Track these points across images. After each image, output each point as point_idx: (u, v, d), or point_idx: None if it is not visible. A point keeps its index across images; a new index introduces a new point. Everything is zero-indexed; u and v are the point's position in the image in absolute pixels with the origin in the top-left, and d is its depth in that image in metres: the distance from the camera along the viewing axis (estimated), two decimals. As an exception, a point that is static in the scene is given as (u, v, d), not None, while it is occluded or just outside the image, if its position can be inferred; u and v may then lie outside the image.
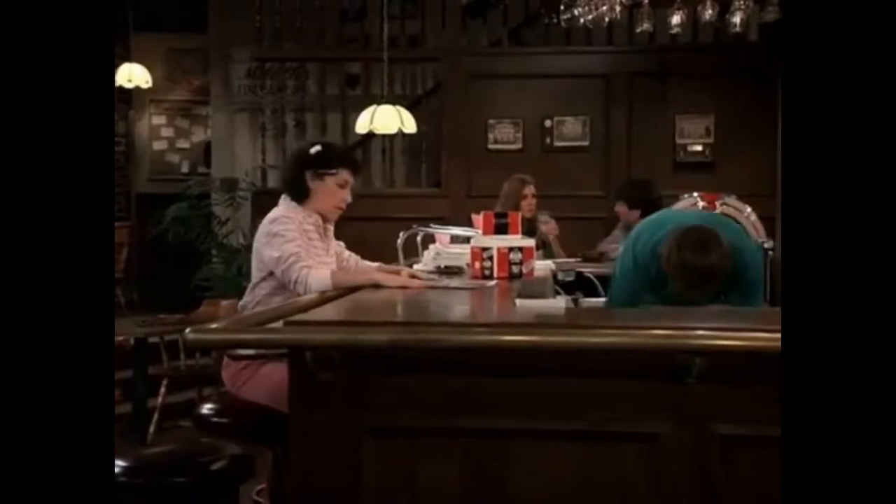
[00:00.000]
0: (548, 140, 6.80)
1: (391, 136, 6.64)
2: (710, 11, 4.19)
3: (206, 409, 2.92)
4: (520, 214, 3.50)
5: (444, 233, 3.85)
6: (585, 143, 6.71)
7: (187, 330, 1.85)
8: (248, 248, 6.61)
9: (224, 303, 4.96)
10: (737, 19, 4.19)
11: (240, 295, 3.32)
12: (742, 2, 4.11)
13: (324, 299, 2.53)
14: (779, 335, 1.84)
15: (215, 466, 2.37)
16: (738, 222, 5.48)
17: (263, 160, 7.16)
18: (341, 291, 2.70)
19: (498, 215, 3.27)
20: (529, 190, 5.02)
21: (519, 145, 6.82)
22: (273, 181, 7.29)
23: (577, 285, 3.75)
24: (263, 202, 6.92)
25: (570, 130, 6.75)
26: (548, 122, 6.78)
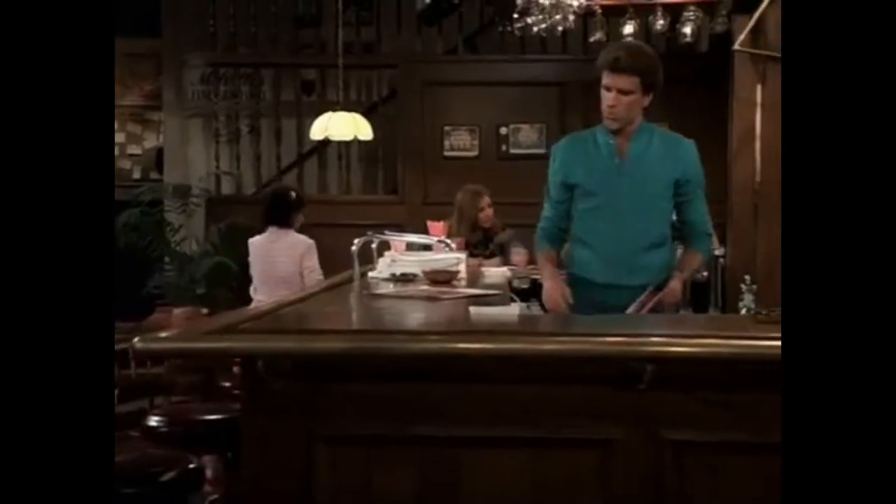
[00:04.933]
0: (504, 147, 6.84)
1: (347, 143, 6.62)
2: (661, 22, 4.25)
3: (155, 419, 2.87)
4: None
5: (399, 240, 3.84)
6: (541, 151, 6.74)
7: (136, 339, 1.81)
8: (202, 255, 6.56)
9: (177, 310, 4.90)
10: (687, 30, 4.26)
11: (193, 302, 3.28)
12: (692, 13, 4.18)
13: (277, 307, 2.51)
14: (728, 341, 1.88)
15: (165, 477, 2.33)
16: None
17: (217, 166, 7.09)
18: (295, 299, 2.68)
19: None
20: (486, 201, 5.03)
21: (475, 152, 6.85)
22: (227, 187, 7.22)
23: (533, 292, 3.76)
24: (217, 209, 6.88)
25: (526, 138, 6.79)
26: (503, 130, 6.82)
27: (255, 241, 4.79)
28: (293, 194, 4.96)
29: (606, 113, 2.76)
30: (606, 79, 2.72)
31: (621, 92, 2.70)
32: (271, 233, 4.73)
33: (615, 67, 2.69)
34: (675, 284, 2.81)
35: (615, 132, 2.80)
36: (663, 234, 2.84)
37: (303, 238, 4.69)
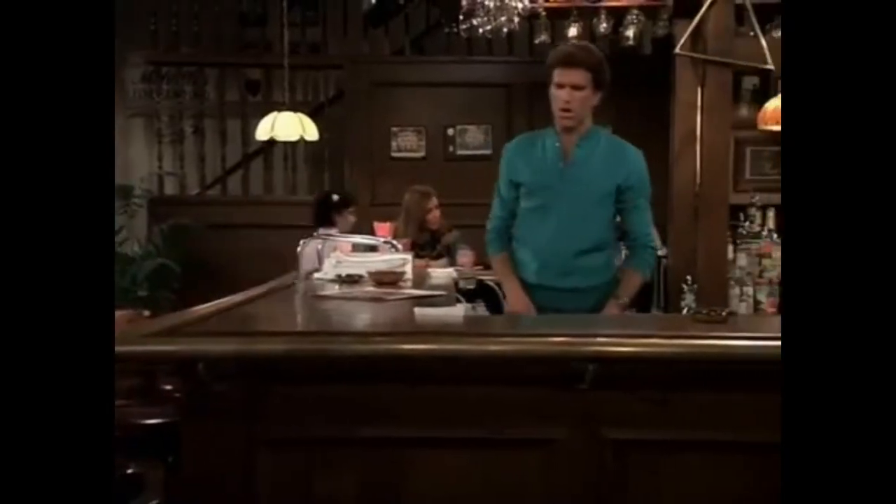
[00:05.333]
0: (450, 148, 6.85)
1: (293, 144, 6.57)
2: (604, 25, 4.29)
3: (95, 424, 2.81)
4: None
5: (345, 241, 3.83)
6: (488, 152, 6.77)
7: (72, 342, 1.77)
8: (144, 256, 6.44)
9: (118, 313, 4.80)
10: (630, 33, 4.31)
11: (134, 304, 3.22)
12: (635, 16, 4.23)
13: (220, 309, 2.47)
14: (669, 341, 1.91)
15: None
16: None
17: (160, 167, 6.98)
18: (240, 301, 2.64)
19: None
20: (433, 203, 5.04)
21: (422, 153, 6.85)
22: (170, 188, 7.11)
23: (479, 293, 3.78)
24: (159, 210, 6.77)
25: (473, 139, 6.82)
26: (450, 131, 6.83)
27: (304, 243, 4.85)
28: (335, 197, 5.08)
29: (560, 111, 2.76)
30: (559, 76, 2.73)
31: (575, 87, 2.71)
32: (318, 234, 4.76)
33: (568, 62, 2.71)
34: (612, 311, 2.77)
35: (567, 132, 2.81)
36: (602, 239, 2.83)
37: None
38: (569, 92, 2.71)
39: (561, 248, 2.80)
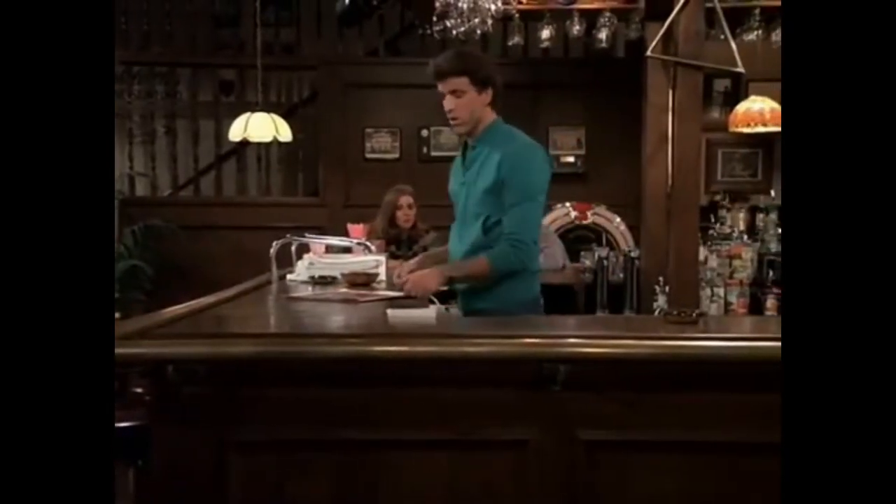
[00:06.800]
0: (425, 149, 6.85)
1: (267, 145, 6.53)
2: (577, 27, 4.31)
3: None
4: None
5: (318, 242, 3.81)
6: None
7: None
8: (115, 257, 6.38)
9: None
10: (603, 35, 4.33)
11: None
12: (607, 19, 4.25)
13: (190, 311, 2.46)
14: (640, 342, 1.92)
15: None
16: (609, 231, 5.68)
17: (131, 167, 6.91)
18: (212, 302, 2.63)
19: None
20: (405, 200, 4.96)
21: (396, 154, 6.84)
22: (142, 189, 7.05)
23: (452, 294, 3.77)
24: (131, 211, 6.70)
25: (447, 140, 6.81)
26: (424, 132, 6.83)
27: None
28: None
29: (450, 120, 2.77)
30: (439, 87, 2.75)
31: (454, 94, 2.72)
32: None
33: (437, 75, 2.73)
34: (428, 273, 2.68)
35: (468, 136, 2.80)
36: (477, 245, 2.70)
37: None
38: (450, 100, 2.73)
39: (456, 250, 2.82)
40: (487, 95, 2.73)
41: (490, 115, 2.77)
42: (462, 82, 2.69)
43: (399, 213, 4.91)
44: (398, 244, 4.86)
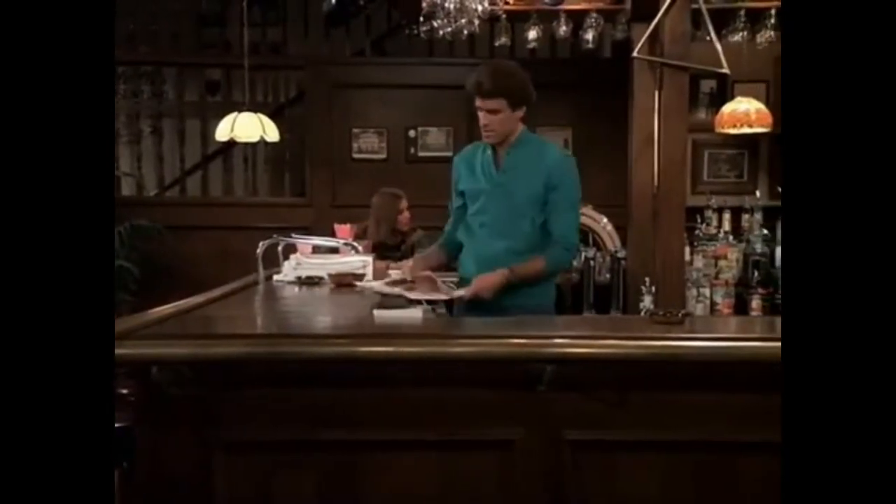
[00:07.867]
0: (412, 150, 6.85)
1: (253, 145, 6.52)
2: (564, 28, 4.31)
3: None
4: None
5: (305, 243, 3.80)
6: (449, 154, 6.76)
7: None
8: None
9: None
10: (589, 36, 4.33)
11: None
12: (594, 20, 4.25)
13: (176, 311, 2.45)
14: (626, 342, 1.93)
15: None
16: (595, 232, 5.69)
17: (117, 167, 6.88)
18: (199, 303, 2.61)
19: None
20: (404, 204, 5.03)
21: (383, 155, 6.83)
22: (127, 189, 7.01)
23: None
24: (118, 211, 6.66)
25: (434, 140, 6.82)
26: (412, 133, 6.83)
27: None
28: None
29: (483, 131, 2.88)
30: (476, 102, 2.85)
31: (491, 112, 2.82)
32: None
33: (480, 93, 2.82)
34: (492, 277, 2.78)
35: (497, 145, 2.92)
36: (529, 244, 2.86)
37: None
38: (486, 115, 2.84)
39: (491, 252, 2.88)
40: (521, 112, 2.88)
41: (519, 126, 2.92)
42: (501, 103, 2.82)
43: (401, 218, 4.94)
44: (391, 245, 4.87)
